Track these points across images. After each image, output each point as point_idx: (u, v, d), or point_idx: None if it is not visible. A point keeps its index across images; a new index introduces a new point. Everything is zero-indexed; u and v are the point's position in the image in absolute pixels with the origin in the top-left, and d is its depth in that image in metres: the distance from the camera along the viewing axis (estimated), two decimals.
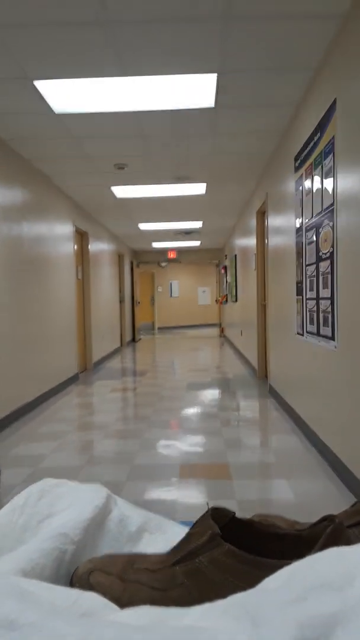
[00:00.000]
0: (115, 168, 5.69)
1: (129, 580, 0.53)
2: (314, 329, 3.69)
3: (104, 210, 8.31)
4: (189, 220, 9.60)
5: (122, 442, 4.12)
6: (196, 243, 13.14)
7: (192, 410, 5.12)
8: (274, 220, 5.48)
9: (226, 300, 12.63)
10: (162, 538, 0.65)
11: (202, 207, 8.25)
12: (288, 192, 4.60)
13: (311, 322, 3.77)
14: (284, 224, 4.82)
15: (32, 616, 0.38)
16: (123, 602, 0.50)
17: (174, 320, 18.68)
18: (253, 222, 7.17)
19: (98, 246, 9.26)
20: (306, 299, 3.92)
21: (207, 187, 6.81)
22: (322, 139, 3.37)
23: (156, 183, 6.50)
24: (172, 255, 14.41)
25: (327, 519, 0.49)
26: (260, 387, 6.33)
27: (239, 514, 0.55)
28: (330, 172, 3.18)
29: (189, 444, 3.97)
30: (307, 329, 3.91)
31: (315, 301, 3.63)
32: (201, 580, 0.49)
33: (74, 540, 0.60)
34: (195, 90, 3.70)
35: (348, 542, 0.46)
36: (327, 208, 3.27)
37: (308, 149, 3.77)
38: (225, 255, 12.85)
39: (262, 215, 6.73)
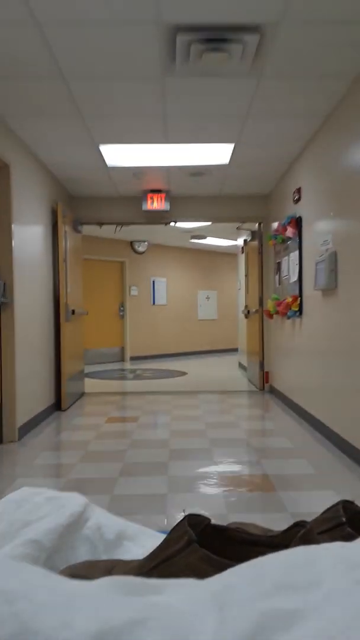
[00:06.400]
0: None
1: None
2: None
3: None
4: None
5: None
6: (224, 159, 4.81)
7: None
8: None
9: (297, 311, 4.74)
10: (140, 545, 0.65)
11: None
12: None
13: None
14: None
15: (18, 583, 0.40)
16: None
17: (157, 344, 11.06)
18: None
19: None
20: None
21: None
22: None
23: None
24: (155, 203, 5.72)
25: (299, 525, 0.50)
26: None
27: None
28: None
29: None
30: None
31: None
32: None
33: (46, 547, 0.60)
34: None
35: None
36: None
37: None
38: (298, 190, 4.74)
39: None
